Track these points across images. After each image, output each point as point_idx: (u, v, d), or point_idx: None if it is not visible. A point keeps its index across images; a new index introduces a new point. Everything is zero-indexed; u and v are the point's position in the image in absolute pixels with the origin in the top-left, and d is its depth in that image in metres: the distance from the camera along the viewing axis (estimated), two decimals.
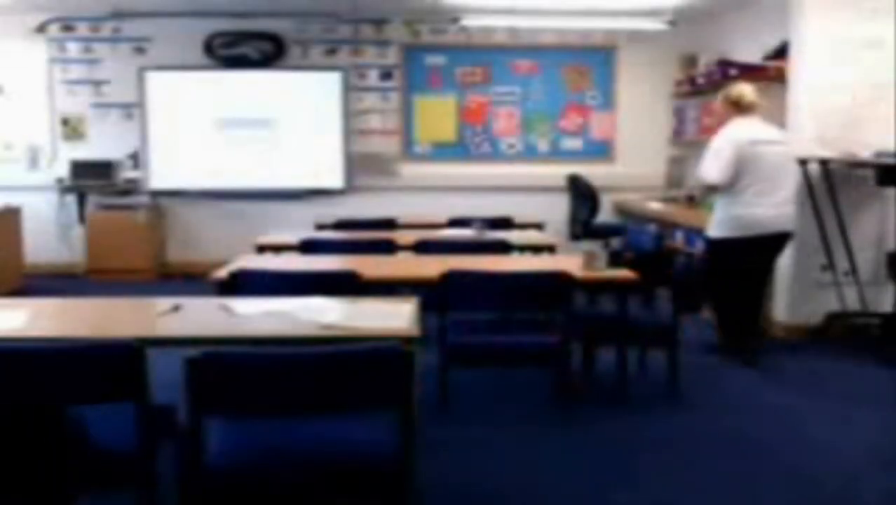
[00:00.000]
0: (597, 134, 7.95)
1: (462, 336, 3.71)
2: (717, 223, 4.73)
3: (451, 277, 3.54)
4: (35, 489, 1.56)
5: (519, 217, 6.02)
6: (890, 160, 4.85)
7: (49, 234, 7.69)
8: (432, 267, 3.62)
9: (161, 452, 2.34)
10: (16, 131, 7.75)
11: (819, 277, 5.27)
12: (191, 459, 2.13)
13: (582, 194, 7.38)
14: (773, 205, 4.58)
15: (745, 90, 4.73)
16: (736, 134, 4.59)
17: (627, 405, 3.97)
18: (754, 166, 4.54)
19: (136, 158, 7.70)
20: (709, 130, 6.95)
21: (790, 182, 4.69)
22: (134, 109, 7.72)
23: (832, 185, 5.12)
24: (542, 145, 7.98)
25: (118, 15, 7.61)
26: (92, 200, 7.52)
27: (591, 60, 7.91)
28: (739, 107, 4.69)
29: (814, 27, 5.21)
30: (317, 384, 2.10)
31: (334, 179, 7.83)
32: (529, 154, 7.97)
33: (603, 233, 6.91)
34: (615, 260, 4.23)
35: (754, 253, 4.67)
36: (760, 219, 4.59)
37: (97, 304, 3.07)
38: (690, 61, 7.50)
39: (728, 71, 6.35)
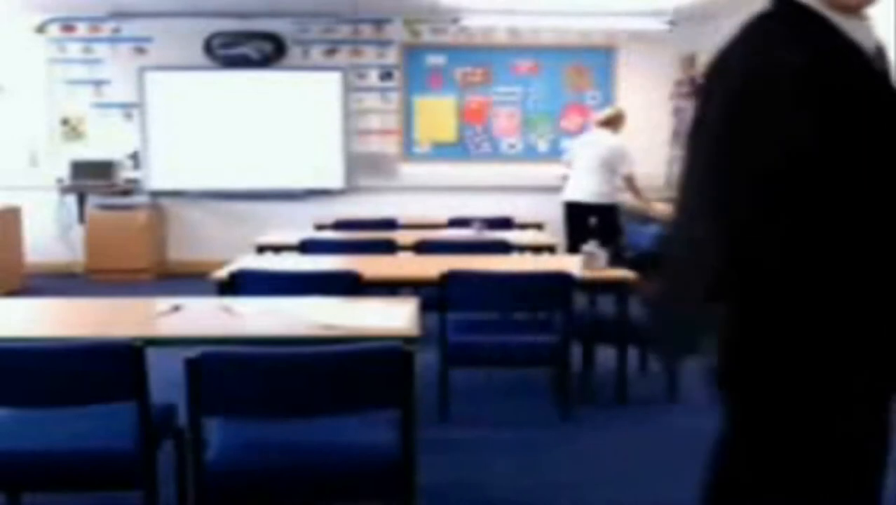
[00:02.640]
0: None
1: (462, 336, 3.71)
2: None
3: (451, 277, 3.54)
4: None
5: (519, 217, 6.03)
6: None
7: (49, 234, 7.69)
8: (432, 267, 3.62)
9: (161, 452, 2.35)
10: (16, 131, 7.75)
11: None
12: (191, 459, 2.13)
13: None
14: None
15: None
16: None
17: (627, 405, 3.97)
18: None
19: (136, 158, 7.71)
20: None
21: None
22: (134, 109, 7.72)
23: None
24: (542, 145, 7.99)
25: (118, 15, 7.61)
26: (92, 200, 7.52)
27: (591, 60, 7.92)
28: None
29: None
30: (317, 384, 2.10)
31: (334, 179, 7.83)
32: (529, 154, 7.97)
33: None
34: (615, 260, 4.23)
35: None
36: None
37: (97, 304, 3.07)
38: (690, 61, 7.51)
39: None
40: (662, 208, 6.91)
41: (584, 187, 6.26)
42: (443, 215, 5.99)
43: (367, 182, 7.87)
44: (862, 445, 1.71)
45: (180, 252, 7.89)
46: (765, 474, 1.77)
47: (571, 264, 3.80)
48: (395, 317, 2.64)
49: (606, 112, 6.47)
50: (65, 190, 7.60)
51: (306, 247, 4.58)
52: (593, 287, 4.34)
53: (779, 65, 1.62)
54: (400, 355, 2.10)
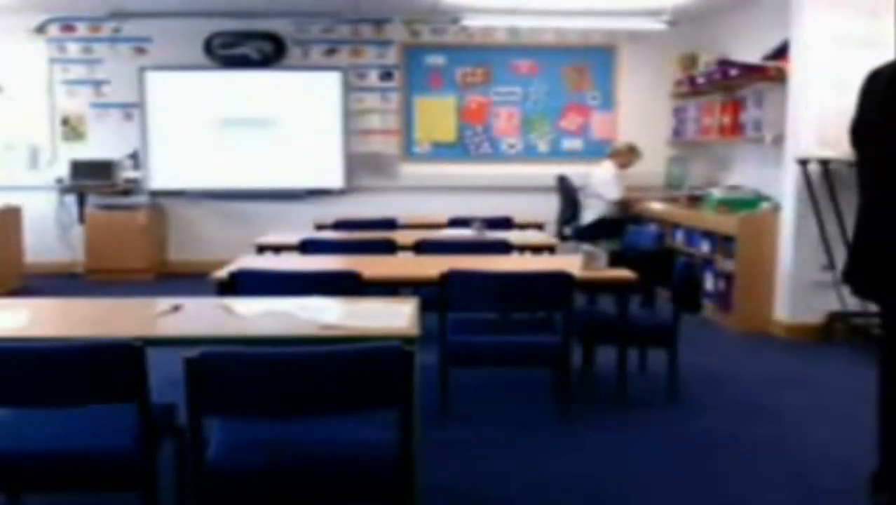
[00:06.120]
0: (597, 134, 7.95)
1: (462, 336, 3.71)
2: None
3: (451, 277, 3.54)
4: None
5: (519, 217, 6.03)
6: None
7: (49, 234, 7.69)
8: (432, 267, 3.62)
9: (161, 452, 2.35)
10: (16, 131, 7.75)
11: (819, 277, 5.27)
12: (191, 459, 2.13)
13: (566, 195, 7.35)
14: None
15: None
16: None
17: (627, 405, 3.97)
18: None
19: (136, 158, 7.70)
20: (708, 131, 6.97)
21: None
22: (134, 109, 7.72)
23: (832, 185, 5.12)
24: (542, 145, 7.98)
25: (118, 15, 7.61)
26: (92, 200, 7.52)
27: (591, 60, 7.91)
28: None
29: (814, 26, 5.21)
30: (317, 384, 2.10)
31: (334, 179, 7.83)
32: (529, 154, 7.97)
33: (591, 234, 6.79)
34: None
35: None
36: None
37: (97, 304, 3.07)
38: (690, 61, 7.50)
39: (728, 71, 6.35)
40: (660, 208, 6.92)
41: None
42: (443, 215, 5.99)
43: (367, 182, 7.87)
44: None
45: (180, 252, 7.89)
46: None
47: (571, 264, 3.80)
48: (395, 317, 2.64)
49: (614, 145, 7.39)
50: (65, 190, 7.60)
51: (306, 247, 4.58)
52: (593, 287, 4.34)
53: None
54: (400, 355, 2.10)
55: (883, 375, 2.78)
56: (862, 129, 2.72)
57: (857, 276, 2.75)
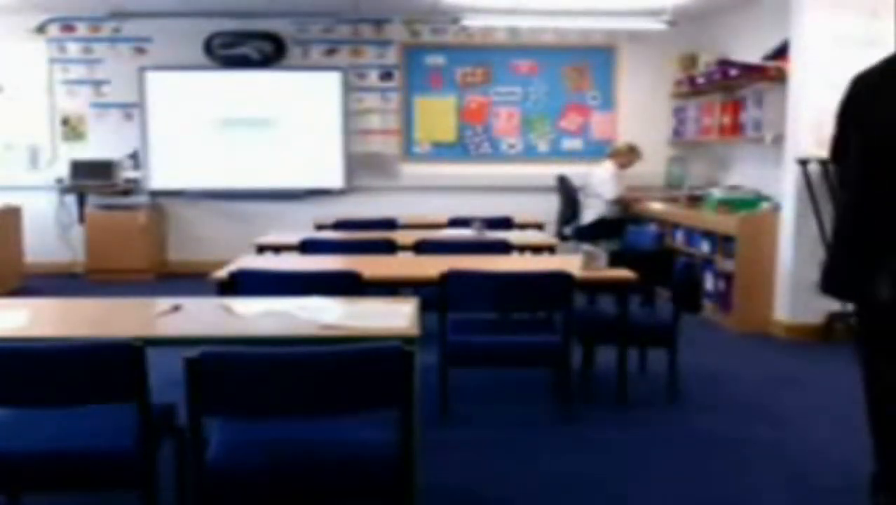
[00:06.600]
0: (597, 134, 7.95)
1: (462, 336, 3.71)
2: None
3: (451, 277, 3.54)
4: None
5: (519, 217, 6.03)
6: None
7: (49, 234, 7.69)
8: (432, 267, 3.62)
9: (161, 452, 2.35)
10: (16, 131, 7.75)
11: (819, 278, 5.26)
12: (191, 459, 2.13)
13: (566, 195, 7.35)
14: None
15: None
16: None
17: (627, 405, 3.97)
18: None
19: (136, 158, 7.70)
20: (708, 131, 6.96)
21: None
22: (134, 109, 7.72)
23: (832, 185, 5.12)
24: (542, 145, 7.98)
25: (118, 15, 7.61)
26: (92, 200, 7.52)
27: (591, 60, 7.91)
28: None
29: (814, 26, 5.20)
30: (317, 384, 2.10)
31: (334, 179, 7.83)
32: (529, 154, 7.97)
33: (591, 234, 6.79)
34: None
35: None
36: None
37: (97, 304, 3.07)
38: (690, 61, 7.50)
39: (728, 71, 6.35)
40: (660, 208, 6.92)
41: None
42: (443, 215, 5.99)
43: (367, 182, 7.87)
44: None
45: (180, 252, 7.89)
46: None
47: (571, 264, 3.80)
48: (395, 317, 2.64)
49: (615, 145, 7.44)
50: (65, 190, 7.60)
51: (306, 247, 4.58)
52: (593, 287, 4.34)
53: None
54: (400, 355, 2.10)
55: (866, 377, 2.76)
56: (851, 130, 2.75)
57: (838, 277, 2.80)
